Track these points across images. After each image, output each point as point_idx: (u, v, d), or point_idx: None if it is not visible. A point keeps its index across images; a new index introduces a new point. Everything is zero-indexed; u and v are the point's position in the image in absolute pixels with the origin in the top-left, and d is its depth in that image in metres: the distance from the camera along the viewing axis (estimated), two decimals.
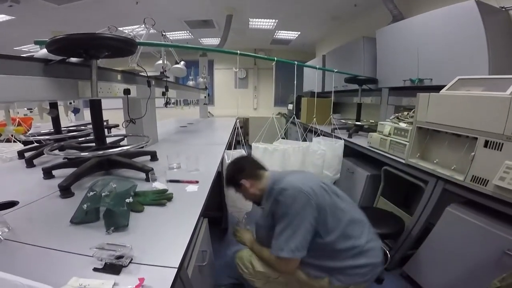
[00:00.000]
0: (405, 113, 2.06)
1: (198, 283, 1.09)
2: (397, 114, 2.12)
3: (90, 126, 1.81)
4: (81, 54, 1.09)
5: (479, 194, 1.29)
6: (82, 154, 1.28)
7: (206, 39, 5.71)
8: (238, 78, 6.39)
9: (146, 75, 1.98)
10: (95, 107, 1.41)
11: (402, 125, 1.91)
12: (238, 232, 1.43)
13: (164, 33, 2.55)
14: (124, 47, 1.15)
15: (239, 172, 1.28)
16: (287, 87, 5.54)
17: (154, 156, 1.64)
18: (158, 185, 1.14)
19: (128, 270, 0.62)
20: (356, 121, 2.83)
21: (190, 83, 3.90)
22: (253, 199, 1.34)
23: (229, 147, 1.92)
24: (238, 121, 1.87)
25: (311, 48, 6.06)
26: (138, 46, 2.12)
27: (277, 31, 5.26)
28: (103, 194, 0.89)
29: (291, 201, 1.04)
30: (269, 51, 6.29)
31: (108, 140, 1.65)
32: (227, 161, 1.64)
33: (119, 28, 1.99)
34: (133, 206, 0.91)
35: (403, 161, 1.79)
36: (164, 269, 0.63)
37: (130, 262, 0.64)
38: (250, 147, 1.86)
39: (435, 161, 1.57)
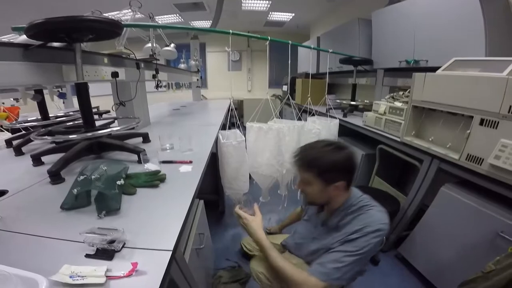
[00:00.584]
0: (400, 92, 2.04)
1: (196, 266, 1.10)
2: (392, 94, 2.10)
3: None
4: (63, 38, 1.06)
5: (474, 174, 1.29)
6: (70, 137, 1.24)
7: (197, 22, 5.53)
8: (231, 60, 6.25)
9: (134, 57, 1.92)
10: (81, 90, 1.34)
11: (397, 104, 1.89)
12: (244, 219, 1.10)
13: (152, 16, 2.46)
14: (109, 28, 1.10)
15: (346, 171, 0.94)
16: (282, 69, 5.45)
17: (146, 138, 1.61)
18: (150, 166, 1.11)
19: (121, 255, 0.60)
20: (351, 101, 2.80)
21: (182, 66, 3.81)
22: (322, 203, 1.04)
23: (223, 128, 1.89)
24: (232, 101, 1.82)
25: (305, 31, 5.92)
26: (125, 29, 2.06)
27: (270, 13, 5.10)
28: (93, 177, 0.86)
29: (374, 236, 0.86)
30: (262, 34, 6.08)
31: (98, 124, 1.60)
32: (222, 141, 1.62)
33: (104, 14, 1.90)
34: (125, 189, 0.88)
35: (398, 140, 1.79)
36: (159, 253, 0.61)
37: (123, 247, 0.62)
38: (244, 128, 1.83)
39: (430, 139, 1.56)
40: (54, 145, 1.40)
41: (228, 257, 1.88)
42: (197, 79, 4.19)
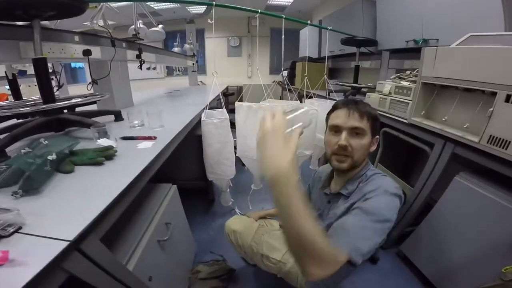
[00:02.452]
0: (408, 72, 1.82)
1: (160, 260, 1.03)
2: (398, 74, 1.88)
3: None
4: (22, 16, 1.04)
5: (497, 160, 1.07)
6: (21, 109, 1.07)
7: (194, 7, 5.31)
8: (231, 46, 6.02)
9: (109, 34, 1.75)
10: (39, 66, 1.22)
11: (404, 83, 1.68)
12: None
13: None
14: (69, 3, 1.07)
15: (379, 124, 0.93)
16: (284, 58, 5.13)
17: (118, 116, 1.44)
18: (103, 142, 0.94)
19: (6, 241, 0.47)
20: (354, 83, 2.58)
21: (175, 49, 3.62)
22: (355, 159, 0.88)
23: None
24: (215, 80, 1.63)
25: (307, 16, 5.66)
26: (100, 5, 1.93)
27: None
28: (23, 151, 0.71)
29: (392, 200, 0.77)
30: (263, 19, 5.87)
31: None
32: (203, 118, 1.45)
33: None
34: (60, 166, 0.73)
35: (405, 121, 1.57)
36: (54, 243, 0.46)
37: (15, 232, 0.46)
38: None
39: (443, 119, 1.35)
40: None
41: (213, 250, 1.71)
42: (193, 64, 4.00)
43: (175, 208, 1.29)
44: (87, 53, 1.51)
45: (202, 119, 1.43)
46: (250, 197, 2.01)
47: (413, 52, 2.22)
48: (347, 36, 2.58)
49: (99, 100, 1.29)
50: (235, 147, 1.71)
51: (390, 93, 1.74)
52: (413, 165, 2.17)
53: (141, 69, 2.13)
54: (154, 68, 2.82)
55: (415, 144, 1.58)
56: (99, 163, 0.78)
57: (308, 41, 4.19)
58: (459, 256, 1.24)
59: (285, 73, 4.94)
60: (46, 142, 0.80)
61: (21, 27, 1.18)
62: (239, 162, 3.21)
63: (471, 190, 1.20)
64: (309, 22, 2.29)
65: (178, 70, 4.05)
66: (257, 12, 1.83)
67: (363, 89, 2.51)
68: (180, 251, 1.34)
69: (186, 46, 3.79)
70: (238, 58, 6.35)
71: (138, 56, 2.14)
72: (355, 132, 0.86)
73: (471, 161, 1.21)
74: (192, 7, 5.25)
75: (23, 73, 1.55)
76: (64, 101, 1.21)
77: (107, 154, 0.82)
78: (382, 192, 0.76)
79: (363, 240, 0.67)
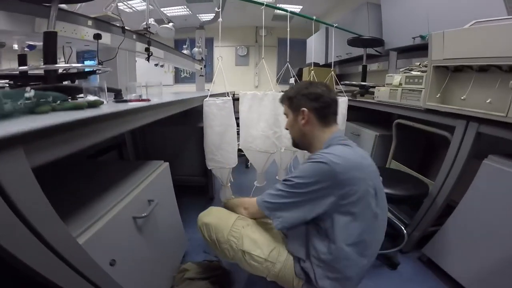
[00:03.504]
0: (417, 63, 1.78)
1: (126, 241, 0.86)
2: (407, 67, 1.84)
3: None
4: None
5: None
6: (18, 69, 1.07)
7: (204, 15, 5.44)
8: (238, 55, 6.11)
9: (121, 22, 1.80)
10: (49, 38, 1.22)
11: (415, 73, 1.64)
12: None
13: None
14: None
15: (309, 98, 0.96)
16: (291, 66, 5.16)
17: (118, 94, 1.41)
18: (93, 98, 0.86)
19: None
20: (362, 81, 2.55)
21: (184, 51, 3.67)
22: (295, 138, 1.06)
23: None
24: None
25: (315, 25, 5.72)
26: None
27: (278, 5, 4.94)
28: None
29: (311, 168, 0.85)
30: (270, 28, 6.00)
31: None
32: (206, 99, 1.42)
33: None
34: (37, 109, 0.61)
35: (420, 108, 1.49)
36: None
37: None
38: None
39: (462, 98, 1.26)
40: None
41: (207, 250, 1.50)
42: (201, 68, 4.03)
43: (162, 186, 1.17)
44: (97, 37, 1.53)
45: (204, 100, 1.40)
46: (252, 195, 1.91)
47: (421, 50, 2.23)
48: (353, 36, 2.58)
49: (99, 71, 1.27)
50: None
51: (400, 84, 1.70)
52: (429, 161, 2.08)
53: (148, 61, 2.14)
54: (162, 66, 2.84)
55: (433, 132, 1.52)
56: (81, 107, 0.69)
57: (314, 49, 4.22)
58: (497, 253, 1.08)
59: (291, 80, 4.95)
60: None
61: (39, 5, 1.21)
62: (242, 164, 3.13)
63: (505, 174, 1.05)
64: (314, 17, 2.30)
65: (186, 73, 4.08)
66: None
67: (371, 89, 2.47)
68: (165, 241, 1.18)
69: (195, 49, 3.84)
70: (245, 68, 6.43)
71: (147, 50, 2.17)
72: (286, 116, 1.07)
73: (495, 145, 1.13)
74: (203, 14, 5.37)
75: (32, 47, 1.57)
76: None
77: (92, 102, 0.74)
78: (305, 163, 0.88)
79: (267, 194, 0.92)
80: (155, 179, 1.08)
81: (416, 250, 1.52)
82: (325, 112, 0.96)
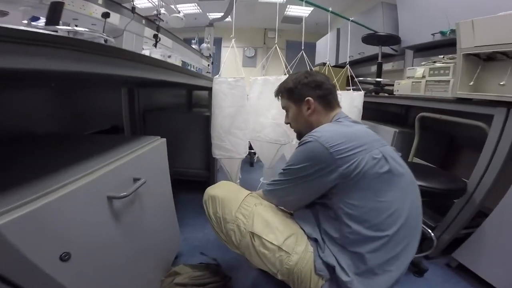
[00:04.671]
0: (440, 56, 1.68)
1: (92, 227, 0.64)
2: (429, 60, 1.74)
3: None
4: None
5: None
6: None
7: (213, 14, 5.41)
8: (246, 56, 6.06)
9: (131, 2, 1.74)
10: (55, 8, 1.19)
11: (440, 64, 1.54)
12: None
13: None
14: None
15: (312, 86, 0.93)
16: (298, 69, 5.08)
17: None
18: None
19: None
20: (377, 78, 2.44)
21: (193, 46, 3.61)
22: (300, 130, 0.99)
23: None
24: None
25: (324, 28, 5.65)
26: None
27: (288, 7, 4.92)
28: None
29: (300, 150, 0.82)
30: (280, 31, 5.95)
31: None
32: (215, 77, 1.32)
33: None
34: None
35: (449, 98, 1.39)
36: None
37: None
38: None
39: (501, 83, 1.15)
40: None
41: (205, 251, 1.31)
42: (208, 65, 3.95)
43: (154, 164, 0.97)
44: (106, 15, 1.51)
45: (214, 77, 1.29)
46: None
47: (440, 48, 2.14)
48: (368, 33, 2.49)
49: (101, 36, 1.17)
50: None
51: (423, 76, 1.59)
52: (452, 159, 1.94)
53: (156, 47, 2.06)
54: (169, 57, 2.76)
55: (463, 124, 1.39)
56: None
57: (324, 50, 4.15)
58: None
59: None
60: None
61: None
62: (246, 163, 2.99)
63: None
64: (330, 9, 2.22)
65: (193, 68, 4.00)
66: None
67: (386, 87, 2.36)
68: (153, 234, 0.97)
69: (204, 45, 3.78)
70: (252, 69, 6.36)
71: (155, 36, 2.11)
72: (286, 110, 1.03)
73: None
74: (213, 13, 5.35)
75: (36, 19, 1.50)
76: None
77: None
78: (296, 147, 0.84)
79: (270, 185, 0.90)
80: (145, 154, 0.89)
81: (443, 256, 1.38)
82: (328, 98, 0.93)
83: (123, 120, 1.84)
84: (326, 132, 0.78)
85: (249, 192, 0.96)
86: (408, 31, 2.43)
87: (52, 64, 0.44)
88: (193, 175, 2.04)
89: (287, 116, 1.03)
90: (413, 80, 1.66)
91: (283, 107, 1.04)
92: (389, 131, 1.92)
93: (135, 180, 0.80)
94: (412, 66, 2.54)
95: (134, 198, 0.80)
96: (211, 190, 0.96)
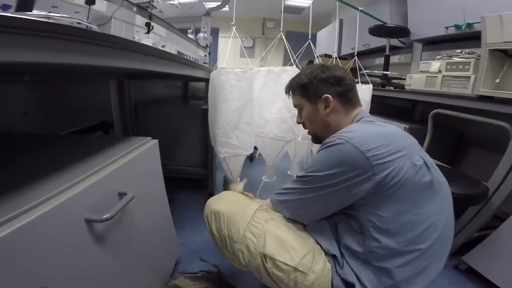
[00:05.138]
0: (458, 50, 1.56)
1: (70, 258, 0.52)
2: (445, 54, 1.61)
3: None
4: None
5: None
6: None
7: (211, 3, 5.20)
8: (243, 46, 5.86)
9: None
10: None
11: (458, 59, 1.42)
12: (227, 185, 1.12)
13: None
14: None
15: (331, 82, 0.80)
16: (300, 59, 4.95)
17: None
18: None
19: None
20: (384, 71, 2.31)
21: (189, 36, 3.44)
22: (316, 132, 0.88)
23: None
24: None
25: (325, 19, 5.49)
26: None
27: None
28: None
29: (324, 154, 0.71)
30: (278, 21, 5.76)
31: None
32: (219, 67, 1.17)
33: None
34: None
35: (469, 95, 1.29)
36: None
37: None
38: None
39: None
40: None
41: (205, 257, 1.22)
42: (205, 55, 3.79)
43: (145, 172, 0.84)
44: (90, 2, 1.33)
45: (220, 67, 1.15)
46: (259, 192, 1.60)
47: (452, 41, 2.04)
48: (376, 24, 2.35)
49: (80, 22, 1.02)
50: None
51: (440, 71, 1.47)
52: (460, 158, 1.85)
53: (149, 33, 1.90)
54: (163, 46, 2.60)
55: (485, 123, 1.28)
56: None
57: (326, 40, 4.00)
58: None
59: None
60: None
61: None
62: (246, 158, 2.84)
63: None
64: None
65: (189, 58, 3.85)
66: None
67: (393, 80, 2.24)
68: (148, 252, 0.86)
69: (200, 35, 3.61)
70: (250, 60, 6.19)
71: (148, 24, 1.94)
72: (298, 108, 0.91)
73: None
74: (209, 2, 5.15)
75: (6, 7, 1.32)
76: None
77: None
78: (320, 150, 0.72)
79: (282, 194, 0.80)
80: (133, 160, 0.75)
81: (451, 257, 1.30)
82: (349, 95, 0.82)
83: (113, 114, 1.70)
84: (359, 132, 0.66)
85: (258, 204, 0.83)
86: (418, 24, 2.29)
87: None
88: (190, 173, 1.91)
89: (299, 115, 0.91)
90: (428, 74, 1.54)
91: (295, 105, 0.93)
92: (399, 127, 1.80)
93: (121, 195, 0.67)
94: (421, 59, 2.43)
95: (122, 215, 0.68)
96: (214, 204, 0.84)
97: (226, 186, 1.21)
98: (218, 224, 0.78)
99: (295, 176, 0.77)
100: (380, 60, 2.80)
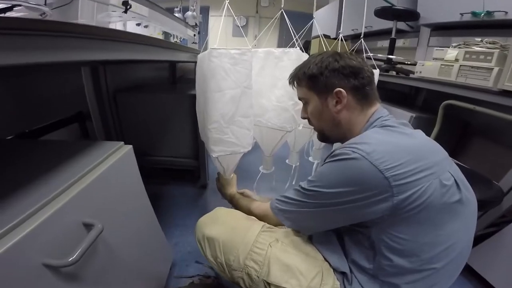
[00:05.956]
0: (478, 39, 1.40)
1: None
2: (461, 42, 1.46)
3: None
4: None
5: None
6: None
7: None
8: (236, 26, 5.52)
9: None
10: None
11: (478, 49, 1.28)
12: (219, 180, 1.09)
13: None
14: None
15: (345, 73, 0.67)
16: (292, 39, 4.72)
17: None
18: None
19: None
20: (389, 55, 2.14)
21: (176, 15, 3.15)
22: (324, 130, 0.76)
23: None
24: None
25: (324, 1, 5.21)
26: None
27: None
28: None
29: (331, 166, 0.61)
30: (274, 0, 5.45)
31: None
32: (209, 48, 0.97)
33: None
34: None
35: (490, 89, 1.17)
36: None
37: None
38: None
39: None
40: None
41: (201, 259, 1.17)
42: (194, 35, 3.52)
43: (119, 186, 0.68)
44: None
45: (211, 48, 0.95)
46: (256, 184, 1.43)
47: (464, 29, 1.90)
48: (384, 5, 2.14)
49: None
50: None
51: (457, 60, 1.32)
52: (463, 146, 1.76)
53: (126, 13, 1.66)
54: (146, 27, 2.34)
55: (502, 118, 1.16)
56: None
57: (323, 19, 3.77)
58: None
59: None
60: None
61: None
62: None
63: None
64: None
65: (177, 39, 3.57)
66: None
67: (398, 65, 2.08)
68: (135, 268, 0.76)
69: (189, 13, 3.33)
70: (243, 39, 5.88)
71: (125, 3, 1.68)
72: (304, 102, 0.80)
73: None
74: None
75: None
76: None
77: None
78: (325, 162, 0.63)
79: (281, 199, 0.71)
80: (104, 176, 0.60)
81: None
82: (366, 90, 0.69)
83: (89, 105, 1.50)
84: (379, 144, 0.55)
85: (261, 225, 0.73)
86: (429, 7, 2.12)
87: None
88: (180, 164, 1.78)
89: (304, 109, 0.79)
90: (443, 63, 1.39)
91: (300, 98, 0.80)
92: (405, 115, 1.66)
93: (87, 226, 0.52)
94: (428, 44, 2.27)
95: (94, 248, 0.54)
96: (207, 229, 0.74)
97: (218, 182, 1.13)
98: (213, 251, 0.71)
99: (298, 186, 0.66)
100: (382, 43, 2.62)
